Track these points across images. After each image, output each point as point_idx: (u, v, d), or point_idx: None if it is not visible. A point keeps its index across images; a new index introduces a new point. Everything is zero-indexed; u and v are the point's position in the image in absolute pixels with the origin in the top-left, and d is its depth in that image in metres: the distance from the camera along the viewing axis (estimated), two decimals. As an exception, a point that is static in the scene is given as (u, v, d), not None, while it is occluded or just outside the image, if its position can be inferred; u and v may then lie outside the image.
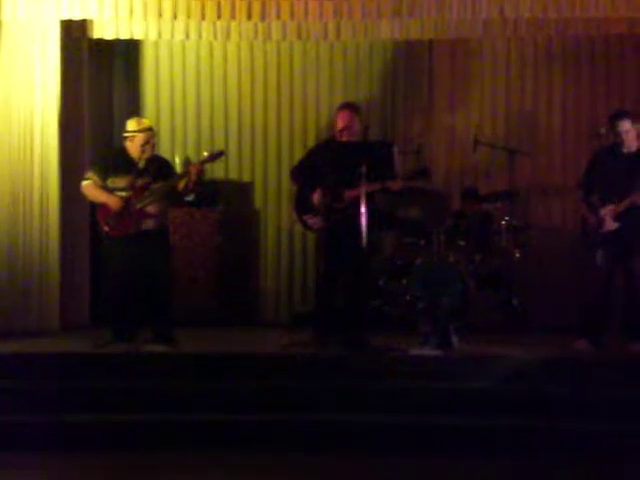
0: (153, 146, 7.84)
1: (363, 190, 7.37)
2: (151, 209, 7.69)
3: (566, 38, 9.33)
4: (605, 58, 9.48)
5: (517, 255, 8.83)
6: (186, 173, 7.77)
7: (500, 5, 8.24)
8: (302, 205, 7.84)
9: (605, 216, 7.48)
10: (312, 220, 7.75)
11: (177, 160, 9.17)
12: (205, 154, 7.93)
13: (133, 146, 7.74)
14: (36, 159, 8.59)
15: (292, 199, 8.17)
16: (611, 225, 7.49)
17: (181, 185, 7.72)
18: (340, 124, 7.77)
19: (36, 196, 8.60)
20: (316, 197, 7.69)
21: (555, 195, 9.47)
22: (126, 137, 7.80)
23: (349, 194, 7.61)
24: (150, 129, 7.83)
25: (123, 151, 7.82)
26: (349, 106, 7.93)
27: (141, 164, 7.75)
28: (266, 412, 6.71)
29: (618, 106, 8.66)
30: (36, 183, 8.60)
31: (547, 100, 9.57)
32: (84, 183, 7.83)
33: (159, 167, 7.81)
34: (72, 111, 8.80)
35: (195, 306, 9.12)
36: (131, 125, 7.80)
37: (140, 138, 7.71)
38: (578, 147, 9.38)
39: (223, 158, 8.32)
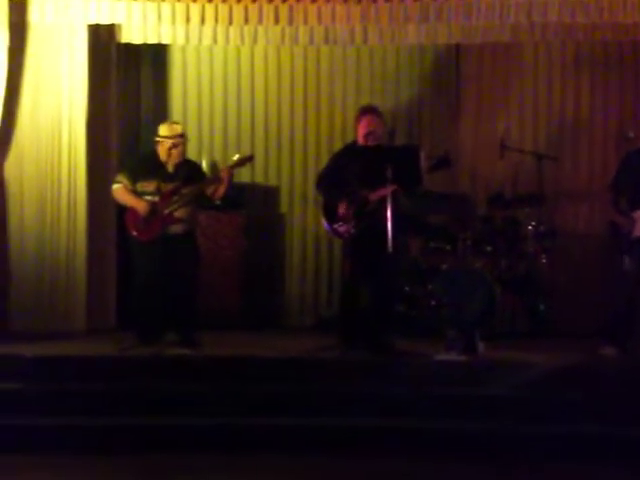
0: (183, 151, 7.85)
1: (386, 192, 7.38)
2: (179, 213, 7.71)
3: (594, 43, 9.27)
4: (633, 63, 9.38)
5: (543, 260, 8.78)
6: (216, 178, 7.77)
7: (528, 10, 8.24)
8: (331, 214, 7.80)
9: (636, 220, 7.43)
10: (343, 228, 7.71)
11: (204, 164, 9.19)
12: (234, 158, 7.94)
13: (163, 151, 7.77)
14: (64, 163, 8.65)
15: (320, 208, 8.12)
16: (641, 231, 7.44)
17: (211, 190, 7.74)
18: (365, 129, 7.71)
19: (63, 199, 8.65)
20: (341, 209, 7.65)
21: (582, 200, 9.38)
22: (158, 141, 7.82)
23: (374, 196, 7.59)
24: (181, 135, 7.82)
25: (154, 155, 7.84)
26: (372, 110, 7.87)
27: (170, 168, 7.77)
28: (291, 415, 6.71)
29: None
30: (64, 186, 8.65)
31: (575, 105, 9.49)
32: (114, 186, 7.87)
33: (189, 171, 7.83)
34: (100, 115, 8.82)
35: (220, 309, 9.12)
36: (163, 130, 7.81)
37: (170, 143, 7.72)
38: (606, 152, 9.31)
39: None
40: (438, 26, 8.71)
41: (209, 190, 7.77)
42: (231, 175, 7.77)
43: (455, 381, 7.01)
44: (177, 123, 8.11)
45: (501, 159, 9.09)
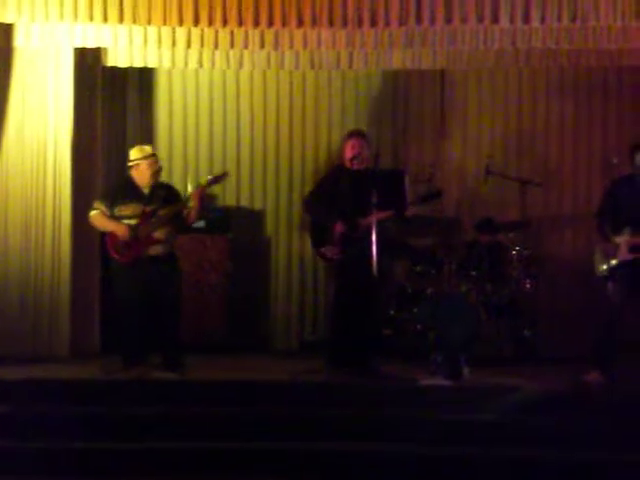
0: (158, 172, 7.87)
1: (375, 218, 7.40)
2: (158, 235, 7.74)
3: (578, 69, 9.35)
4: (617, 89, 9.47)
5: (528, 285, 8.80)
6: (189, 199, 7.79)
7: (512, 36, 8.27)
8: (319, 237, 7.81)
9: (620, 245, 7.44)
10: (330, 252, 7.73)
11: (189, 187, 9.17)
12: (209, 177, 7.96)
13: (138, 174, 7.80)
14: (49, 185, 8.63)
15: (308, 231, 8.12)
16: (625, 255, 7.44)
17: (187, 211, 7.75)
18: (351, 152, 7.79)
19: (48, 222, 8.62)
20: (338, 228, 7.66)
21: (566, 225, 9.45)
22: (131, 166, 7.85)
23: (364, 222, 7.61)
24: (153, 155, 7.86)
25: (129, 180, 7.89)
26: (358, 134, 7.96)
27: (146, 191, 7.80)
28: (275, 439, 6.69)
29: (630, 137, 8.64)
30: (48, 210, 8.63)
31: (559, 130, 9.56)
32: (92, 213, 7.91)
33: (166, 193, 7.87)
34: (85, 137, 8.81)
35: (205, 333, 9.11)
36: (134, 153, 7.85)
37: (144, 165, 7.76)
38: (590, 177, 9.38)
39: (235, 184, 8.31)
40: (423, 51, 8.78)
41: (185, 211, 7.78)
42: (202, 196, 7.78)
43: (440, 405, 7.00)
44: (147, 145, 8.13)
45: (486, 184, 9.13)
